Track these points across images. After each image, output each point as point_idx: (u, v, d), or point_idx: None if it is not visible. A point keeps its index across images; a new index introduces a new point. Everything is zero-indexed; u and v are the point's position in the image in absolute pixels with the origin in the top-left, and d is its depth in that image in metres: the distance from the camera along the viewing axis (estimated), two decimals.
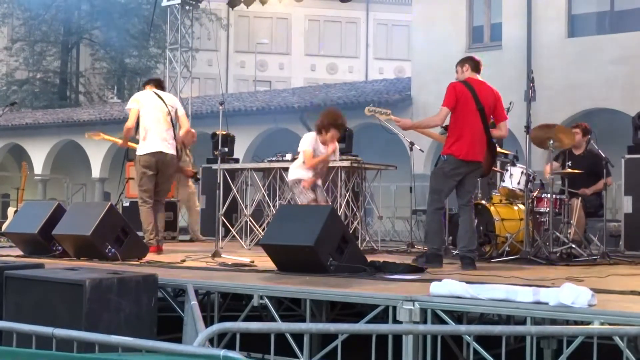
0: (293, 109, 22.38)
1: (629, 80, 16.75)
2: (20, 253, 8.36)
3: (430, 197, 7.66)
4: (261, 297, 5.48)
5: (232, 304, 7.38)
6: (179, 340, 5.26)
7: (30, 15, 35.53)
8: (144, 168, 9.01)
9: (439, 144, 14.88)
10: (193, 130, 9.56)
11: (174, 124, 9.32)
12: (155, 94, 9.28)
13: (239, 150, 14.46)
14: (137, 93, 9.46)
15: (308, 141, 8.65)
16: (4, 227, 11.19)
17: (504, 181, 8.86)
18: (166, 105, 9.21)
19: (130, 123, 9.10)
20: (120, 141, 9.51)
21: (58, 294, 5.16)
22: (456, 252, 7.81)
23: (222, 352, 2.79)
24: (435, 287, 4.84)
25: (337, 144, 8.88)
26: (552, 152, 8.64)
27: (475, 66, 7.82)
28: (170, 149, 9.11)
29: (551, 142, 8.44)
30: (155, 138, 9.03)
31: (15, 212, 11.72)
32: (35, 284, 5.35)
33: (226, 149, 10.98)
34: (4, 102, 32.35)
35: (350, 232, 8.97)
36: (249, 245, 10.63)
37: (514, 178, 8.72)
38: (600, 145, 9.64)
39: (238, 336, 3.64)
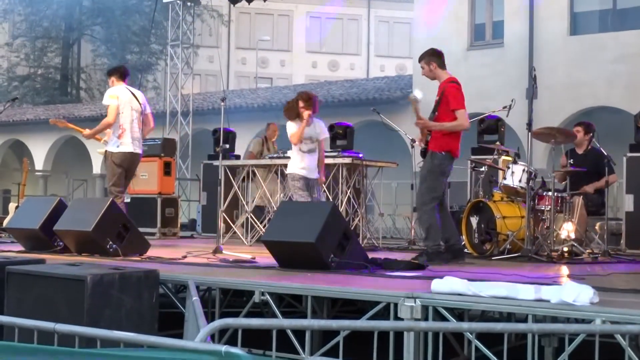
0: None
1: (631, 78, 16.72)
2: (22, 249, 8.36)
3: (428, 196, 7.67)
4: (262, 294, 5.48)
5: (233, 300, 7.37)
6: (179, 336, 5.26)
7: (32, 11, 35.50)
8: (117, 166, 9.34)
9: None
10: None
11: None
12: (130, 91, 9.55)
13: (240, 146, 14.43)
14: (114, 88, 9.54)
15: (291, 125, 8.83)
16: (5, 222, 11.19)
17: (505, 179, 8.85)
18: (140, 104, 9.52)
19: (112, 119, 9.30)
20: (86, 132, 9.54)
21: (60, 289, 5.17)
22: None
23: (224, 348, 2.79)
24: (437, 284, 4.84)
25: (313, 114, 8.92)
26: (553, 150, 8.62)
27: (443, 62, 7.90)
28: (140, 148, 9.54)
29: (553, 140, 8.44)
30: (130, 138, 9.36)
31: (17, 207, 11.72)
32: (37, 280, 5.36)
33: (227, 146, 10.97)
34: (5, 97, 32.34)
35: (351, 229, 8.96)
36: (250, 241, 10.63)
37: (515, 176, 8.71)
38: (602, 144, 9.63)
39: (240, 332, 3.64)
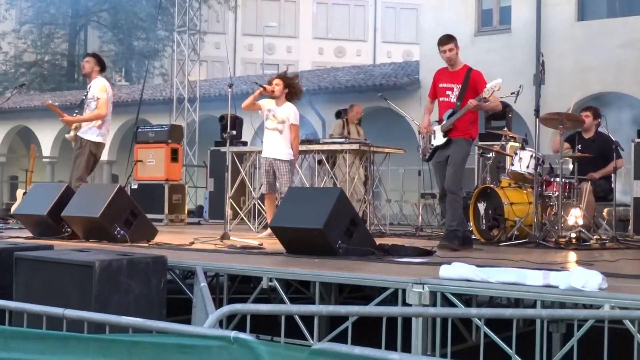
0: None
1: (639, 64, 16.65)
2: (30, 235, 8.37)
3: (461, 181, 7.75)
4: (270, 280, 5.48)
5: (240, 286, 7.39)
6: (187, 322, 5.27)
7: None
8: (92, 155, 9.58)
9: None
10: None
11: None
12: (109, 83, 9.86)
13: (247, 133, 14.42)
14: (103, 81, 9.73)
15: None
16: (13, 208, 11.22)
17: (513, 165, 8.83)
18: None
19: (105, 112, 9.55)
20: (66, 117, 9.62)
21: (68, 275, 5.17)
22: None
23: (233, 334, 2.79)
24: (445, 270, 4.83)
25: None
26: (561, 135, 8.58)
27: None
28: None
29: (560, 125, 8.41)
30: (106, 130, 9.69)
31: (24, 194, 11.74)
32: (45, 266, 5.36)
33: (234, 132, 10.96)
34: (12, 84, 32.35)
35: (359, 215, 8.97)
36: (257, 228, 10.64)
37: (523, 162, 8.70)
38: (609, 129, 9.59)
39: (249, 318, 3.64)
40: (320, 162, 10.87)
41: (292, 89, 9.03)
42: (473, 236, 8.65)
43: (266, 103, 9.04)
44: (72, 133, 9.61)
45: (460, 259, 5.89)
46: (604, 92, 17.40)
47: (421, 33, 21.00)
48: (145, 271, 5.29)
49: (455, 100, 7.76)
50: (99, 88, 9.51)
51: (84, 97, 9.59)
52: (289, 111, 8.99)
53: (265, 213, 9.52)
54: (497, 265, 5.28)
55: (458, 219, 7.64)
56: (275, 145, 9.01)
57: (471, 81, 7.67)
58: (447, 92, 7.78)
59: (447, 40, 7.88)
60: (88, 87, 9.64)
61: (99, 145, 9.63)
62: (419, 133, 8.29)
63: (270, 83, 8.97)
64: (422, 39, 20.46)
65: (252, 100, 8.99)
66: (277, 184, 9.01)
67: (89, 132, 9.48)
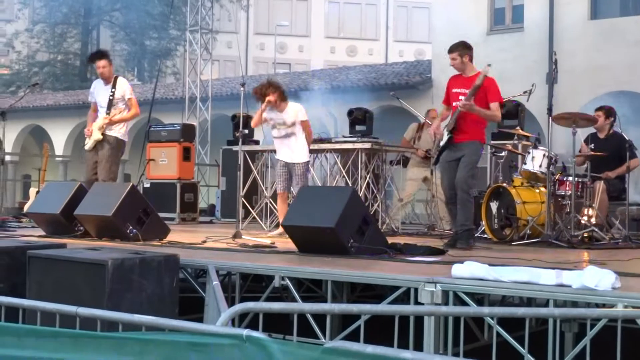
0: (312, 91, 22.33)
1: None
2: (43, 233, 8.40)
3: (472, 181, 7.74)
4: (282, 278, 5.48)
5: (252, 285, 7.39)
6: (199, 320, 5.28)
7: None
8: (122, 154, 9.81)
9: None
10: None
11: None
12: None
13: (259, 132, 14.43)
14: (127, 82, 9.88)
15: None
16: (26, 207, 11.26)
17: (525, 164, 8.81)
18: None
19: (138, 111, 9.81)
20: (110, 119, 9.69)
21: (81, 273, 5.19)
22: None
23: (245, 332, 2.79)
24: (457, 269, 4.83)
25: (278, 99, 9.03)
26: (573, 134, 8.54)
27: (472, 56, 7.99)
28: None
29: (574, 125, 8.38)
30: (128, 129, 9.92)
31: (37, 192, 11.78)
32: (58, 264, 5.38)
33: (246, 131, 10.97)
34: (25, 84, 32.49)
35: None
36: (269, 226, 10.64)
37: (535, 161, 8.67)
38: (623, 128, 9.55)
39: (261, 316, 3.64)
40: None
41: (282, 89, 9.02)
42: (485, 235, 8.63)
43: (268, 114, 9.02)
44: (97, 137, 9.50)
45: (473, 258, 5.88)
46: (616, 91, 17.32)
47: (433, 32, 20.96)
48: (157, 270, 5.30)
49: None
50: (129, 89, 9.66)
51: (111, 98, 9.48)
52: (295, 110, 8.97)
53: (277, 212, 9.51)
54: (510, 265, 5.26)
55: (471, 218, 7.65)
56: (292, 150, 9.00)
57: (482, 87, 7.65)
58: (460, 97, 7.76)
59: (451, 49, 7.92)
60: (110, 88, 9.53)
61: (125, 144, 9.77)
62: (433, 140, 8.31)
63: (263, 95, 8.88)
64: (434, 37, 20.41)
65: (260, 116, 8.94)
66: (293, 184, 8.99)
67: (119, 132, 9.55)
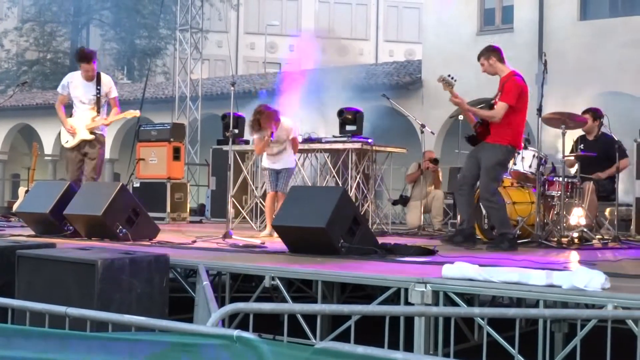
0: (302, 90, 22.30)
1: None
2: (32, 233, 8.37)
3: (494, 186, 7.72)
4: (273, 279, 5.47)
5: (242, 285, 7.38)
6: (189, 320, 5.27)
7: None
8: None
9: (451, 127, 14.93)
10: None
11: None
12: None
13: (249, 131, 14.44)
14: (111, 78, 9.84)
15: (256, 137, 9.09)
16: (15, 206, 11.22)
17: (515, 164, 8.82)
18: None
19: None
20: (110, 119, 9.62)
21: (70, 273, 5.17)
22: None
23: (236, 332, 2.78)
24: (448, 270, 4.83)
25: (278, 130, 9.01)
26: (563, 135, 8.55)
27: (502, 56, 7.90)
28: None
29: (563, 126, 8.40)
30: None
31: (27, 192, 11.75)
32: (48, 264, 5.36)
33: (237, 131, 10.96)
34: (14, 82, 32.39)
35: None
36: (259, 226, 10.63)
37: (525, 161, 8.68)
38: (612, 129, 9.58)
39: (251, 317, 3.64)
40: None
41: (276, 117, 9.00)
42: (477, 237, 8.64)
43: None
44: (86, 137, 9.40)
45: (463, 258, 5.88)
46: (606, 92, 17.37)
47: (423, 32, 20.99)
48: (147, 269, 5.29)
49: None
50: (114, 87, 9.62)
51: (98, 96, 9.36)
52: (287, 129, 9.03)
53: (265, 210, 9.50)
54: (500, 265, 5.27)
55: (503, 222, 7.65)
56: (282, 159, 9.11)
57: (504, 86, 7.66)
58: (496, 100, 7.77)
59: (478, 57, 7.89)
60: (95, 85, 9.41)
61: None
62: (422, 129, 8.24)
63: (260, 124, 8.84)
64: (425, 37, 20.45)
65: (264, 147, 8.98)
66: (279, 183, 9.02)
67: (105, 129, 9.54)
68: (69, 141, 9.49)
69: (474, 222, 8.06)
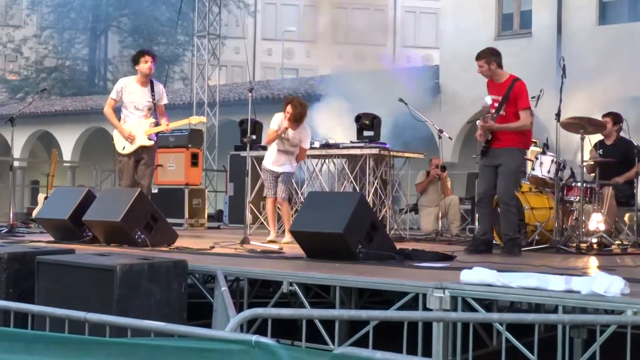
0: (320, 96, 22.32)
1: None
2: (51, 239, 8.42)
3: (513, 191, 7.81)
4: (290, 284, 5.48)
5: (260, 291, 7.39)
6: (207, 326, 5.28)
7: (59, 2, 35.74)
8: None
9: (468, 132, 14.83)
10: None
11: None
12: None
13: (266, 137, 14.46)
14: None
15: (276, 119, 9.10)
16: (34, 213, 11.29)
17: (533, 169, 8.79)
18: None
19: None
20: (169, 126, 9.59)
21: (89, 279, 5.19)
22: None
23: (254, 338, 2.79)
24: (466, 275, 4.82)
25: (300, 125, 9.10)
26: (582, 140, 8.51)
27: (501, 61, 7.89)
28: None
29: (582, 130, 8.36)
30: None
31: (46, 198, 11.81)
32: (67, 269, 5.39)
33: (254, 137, 10.97)
34: (33, 89, 32.57)
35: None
36: (277, 232, 10.63)
37: (544, 166, 8.65)
38: (632, 134, 9.52)
39: (270, 322, 3.64)
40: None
41: (305, 113, 9.06)
42: (494, 241, 8.61)
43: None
44: (145, 143, 9.21)
45: (481, 263, 5.86)
46: (625, 97, 17.27)
47: (441, 37, 20.94)
48: (166, 275, 5.30)
49: (493, 111, 7.75)
50: (165, 93, 9.51)
51: (154, 102, 9.23)
52: (302, 135, 9.12)
53: (268, 216, 9.52)
54: (518, 270, 5.25)
55: (514, 227, 7.65)
56: (285, 162, 9.19)
57: (512, 93, 7.63)
58: (495, 104, 7.75)
59: (478, 57, 7.87)
60: (149, 91, 9.26)
61: None
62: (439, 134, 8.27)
63: (297, 117, 8.93)
64: (442, 43, 20.40)
65: (275, 138, 9.03)
66: (278, 190, 9.09)
67: (155, 137, 9.44)
68: (125, 147, 9.21)
69: (493, 227, 8.05)
